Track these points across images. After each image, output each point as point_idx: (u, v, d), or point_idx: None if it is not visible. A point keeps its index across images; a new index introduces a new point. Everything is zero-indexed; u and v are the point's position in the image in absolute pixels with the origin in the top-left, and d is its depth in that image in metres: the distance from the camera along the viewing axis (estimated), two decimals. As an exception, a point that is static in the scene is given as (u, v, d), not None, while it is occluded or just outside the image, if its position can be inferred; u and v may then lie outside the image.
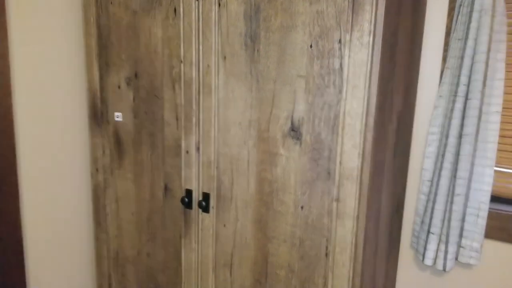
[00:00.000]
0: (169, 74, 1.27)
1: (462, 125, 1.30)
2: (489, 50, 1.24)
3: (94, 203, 1.54)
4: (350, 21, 0.98)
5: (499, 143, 1.40)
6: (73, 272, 1.62)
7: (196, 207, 1.31)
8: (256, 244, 1.23)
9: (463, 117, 1.29)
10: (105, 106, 1.44)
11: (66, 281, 1.60)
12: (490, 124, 1.29)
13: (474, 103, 1.25)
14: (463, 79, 1.26)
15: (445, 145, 1.31)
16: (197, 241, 1.33)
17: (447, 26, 1.36)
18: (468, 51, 1.24)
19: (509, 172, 1.41)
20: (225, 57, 1.17)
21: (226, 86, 1.18)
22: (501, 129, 1.39)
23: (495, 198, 1.44)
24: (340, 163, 1.06)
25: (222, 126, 1.21)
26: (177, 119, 1.29)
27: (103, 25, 1.38)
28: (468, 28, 1.24)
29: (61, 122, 1.50)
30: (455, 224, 1.33)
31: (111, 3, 1.35)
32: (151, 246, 1.45)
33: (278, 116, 1.12)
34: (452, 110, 1.29)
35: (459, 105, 1.28)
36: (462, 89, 1.27)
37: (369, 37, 0.96)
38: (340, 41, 1.00)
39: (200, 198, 1.30)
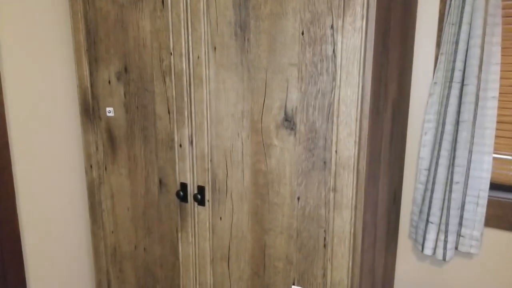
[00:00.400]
0: (159, 67, 1.25)
1: (458, 112, 1.28)
2: (484, 34, 1.22)
3: (89, 200, 1.53)
4: (342, 5, 0.96)
5: (497, 129, 1.38)
6: (71, 268, 1.61)
7: (192, 200, 1.29)
8: (253, 237, 1.21)
9: (459, 104, 1.27)
10: (96, 102, 1.42)
11: (65, 277, 1.59)
12: (487, 110, 1.27)
13: (470, 88, 1.24)
14: (459, 65, 1.24)
15: (442, 132, 1.30)
16: (194, 234, 1.32)
17: (440, 11, 1.34)
18: (463, 36, 1.22)
19: (508, 159, 1.39)
20: (215, 48, 1.15)
21: (217, 77, 1.16)
22: (499, 115, 1.37)
23: (495, 186, 1.42)
24: (336, 152, 1.04)
25: (214, 118, 1.19)
26: (169, 113, 1.27)
27: (90, 19, 1.36)
28: (462, 12, 1.22)
29: (53, 120, 1.48)
30: (454, 212, 1.32)
31: (100, -4, 1.32)
32: (148, 241, 1.43)
33: (271, 106, 1.10)
34: (448, 96, 1.27)
35: (455, 91, 1.26)
36: (457, 74, 1.25)
37: (362, 22, 0.94)
38: (332, 27, 0.98)
39: (195, 192, 1.28)
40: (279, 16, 1.04)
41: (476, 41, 1.21)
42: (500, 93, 1.36)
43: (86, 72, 1.41)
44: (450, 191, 1.31)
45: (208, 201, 1.26)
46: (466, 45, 1.23)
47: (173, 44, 1.21)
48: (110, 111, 1.39)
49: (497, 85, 1.25)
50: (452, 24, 1.26)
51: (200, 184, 1.26)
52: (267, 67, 1.08)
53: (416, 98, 1.43)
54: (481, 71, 1.24)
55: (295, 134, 1.09)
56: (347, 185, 1.05)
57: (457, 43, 1.24)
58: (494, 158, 1.40)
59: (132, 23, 1.27)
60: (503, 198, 1.37)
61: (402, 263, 1.56)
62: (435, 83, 1.33)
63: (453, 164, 1.30)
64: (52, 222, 1.52)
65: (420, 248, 1.40)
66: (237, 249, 1.25)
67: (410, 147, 1.47)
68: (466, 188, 1.33)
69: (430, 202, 1.35)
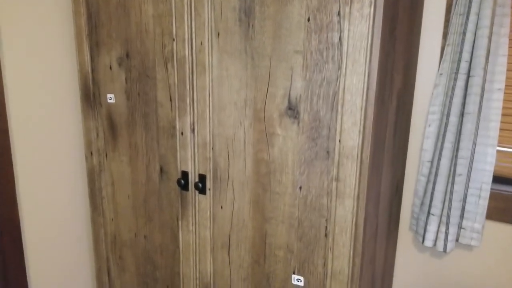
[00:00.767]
0: (161, 53, 1.23)
1: (463, 104, 1.26)
2: (492, 24, 1.20)
3: (89, 187, 1.52)
4: (349, -8, 0.94)
5: (501, 121, 1.37)
6: (71, 255, 1.61)
7: (193, 189, 1.28)
8: (254, 225, 1.21)
9: (464, 95, 1.26)
10: (97, 88, 1.40)
11: (65, 264, 1.59)
12: (493, 102, 1.26)
13: (476, 80, 1.22)
14: (465, 56, 1.22)
15: (446, 124, 1.28)
16: (194, 223, 1.31)
17: (447, 1, 1.32)
18: (470, 26, 1.20)
19: (511, 152, 1.38)
20: (218, 34, 1.13)
21: (220, 64, 1.14)
22: (504, 107, 1.36)
23: (498, 179, 1.42)
24: (340, 141, 1.03)
25: (217, 106, 1.18)
26: (170, 100, 1.25)
27: (92, 3, 1.33)
28: (470, 2, 1.20)
29: (54, 106, 1.46)
30: (456, 205, 1.31)
31: (101, -20, 1.30)
32: (148, 229, 1.43)
33: (274, 94, 1.09)
34: (453, 88, 1.26)
35: (460, 82, 1.24)
36: (463, 66, 1.23)
37: (370, 9, 0.92)
38: (339, 14, 0.96)
39: (196, 180, 1.27)
40: (284, 2, 1.02)
41: (483, 32, 1.19)
42: (506, 85, 1.35)
43: (87, 57, 1.39)
44: (453, 183, 1.30)
45: (209, 189, 1.25)
46: (473, 36, 1.21)
47: (176, 30, 1.19)
48: (111, 98, 1.38)
49: (503, 77, 1.23)
50: (460, 14, 1.24)
51: (201, 172, 1.25)
52: (272, 55, 1.07)
53: (421, 89, 1.42)
54: (487, 62, 1.23)
55: (298, 123, 1.08)
56: (350, 175, 1.04)
57: (464, 33, 1.22)
58: (498, 151, 1.40)
59: (135, 7, 1.25)
60: (506, 191, 1.36)
61: (402, 254, 1.56)
62: (441, 74, 1.31)
63: (456, 156, 1.29)
64: (52, 209, 1.52)
65: (420, 239, 1.40)
66: (237, 238, 1.25)
67: (414, 139, 1.46)
68: (469, 180, 1.32)
69: (432, 194, 1.34)
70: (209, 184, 1.25)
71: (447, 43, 1.28)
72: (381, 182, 1.18)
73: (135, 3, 1.24)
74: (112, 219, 1.51)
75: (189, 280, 1.37)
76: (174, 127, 1.27)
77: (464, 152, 1.27)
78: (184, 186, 1.29)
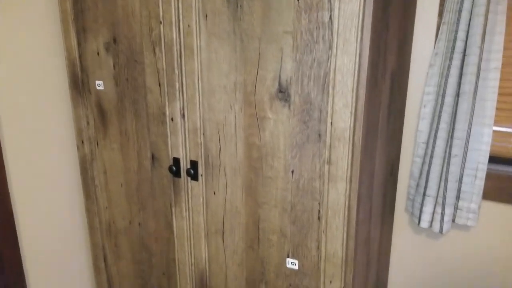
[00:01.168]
0: (148, 36, 1.20)
1: (459, 83, 1.24)
2: (488, 2, 1.16)
3: (82, 176, 1.51)
4: (338, -31, 0.90)
5: (498, 101, 1.35)
6: (67, 244, 1.61)
7: (185, 175, 1.27)
8: (247, 211, 1.20)
9: (460, 75, 1.23)
10: (86, 75, 1.38)
11: (61, 253, 1.59)
12: (489, 81, 1.24)
13: (472, 59, 1.19)
14: (461, 34, 1.19)
15: (441, 105, 1.26)
16: (188, 209, 1.30)
17: (443, -23, 1.28)
18: (466, 4, 1.17)
19: (508, 132, 1.36)
20: (206, 16, 1.10)
21: (209, 47, 1.12)
22: (500, 87, 1.34)
23: (494, 159, 1.40)
24: (331, 124, 1.01)
25: (206, 90, 1.16)
26: (159, 85, 1.23)
27: (78, -14, 1.30)
28: (466, -22, 1.16)
29: (42, 94, 1.44)
30: (452, 185, 1.30)
31: (85, -38, 1.26)
32: (142, 216, 1.42)
33: (264, 77, 1.07)
34: (448, 67, 1.23)
35: (456, 62, 1.21)
36: (459, 45, 1.20)
37: (359, -14, 0.89)
38: (327, -8, 0.93)
39: (188, 166, 1.25)
40: (272, -20, 0.99)
41: (480, 10, 1.16)
42: (502, 64, 1.32)
43: (74, 43, 1.36)
44: (448, 164, 1.29)
45: (201, 175, 1.24)
46: (469, 14, 1.18)
47: (162, 12, 1.15)
48: (99, 85, 1.35)
49: (500, 56, 1.21)
50: (455, -10, 1.20)
51: (192, 158, 1.24)
52: (261, 36, 1.04)
53: (416, 69, 1.39)
54: (484, 41, 1.20)
55: (289, 106, 1.06)
56: (342, 158, 1.02)
57: (460, 11, 1.19)
58: (494, 131, 1.38)
59: (120, -10, 1.21)
60: (502, 171, 1.35)
61: (398, 236, 1.56)
62: (436, 54, 1.28)
63: (452, 137, 1.27)
64: (45, 199, 1.51)
65: (416, 221, 1.39)
66: (231, 223, 1.24)
67: (409, 120, 1.44)
68: (465, 161, 1.31)
69: (428, 175, 1.33)
70: (201, 170, 1.24)
71: (442, 21, 1.25)
72: (375, 164, 1.17)
73: (120, -14, 1.21)
74: (106, 207, 1.50)
75: (185, 266, 1.37)
76: (164, 113, 1.24)
77: (459, 133, 1.25)
78: (176, 173, 1.27)
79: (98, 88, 1.36)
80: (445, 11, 1.24)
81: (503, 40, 1.19)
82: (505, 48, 1.30)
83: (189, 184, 1.27)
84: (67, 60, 1.40)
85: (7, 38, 1.31)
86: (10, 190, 1.38)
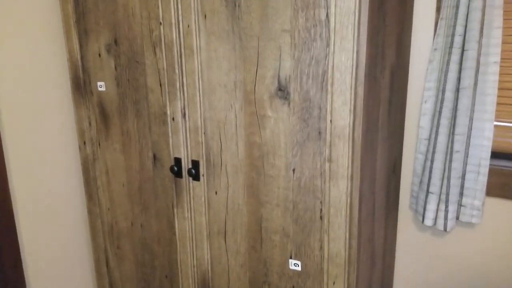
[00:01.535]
0: (149, 37, 1.21)
1: (459, 78, 1.24)
2: (486, -4, 1.16)
3: (84, 177, 1.51)
4: (334, -35, 0.91)
5: (498, 95, 1.34)
6: (69, 246, 1.61)
7: (186, 175, 1.27)
8: (249, 210, 1.20)
9: (460, 70, 1.23)
10: (88, 76, 1.39)
11: (63, 255, 1.59)
12: (489, 76, 1.23)
13: (471, 54, 1.19)
14: (459, 29, 1.19)
15: (442, 100, 1.26)
16: (190, 209, 1.31)
17: (442, -26, 1.28)
18: (464, -1, 1.17)
19: (510, 126, 1.35)
20: (205, 15, 1.10)
21: (208, 46, 1.12)
22: (501, 81, 1.33)
23: (496, 154, 1.39)
24: (331, 121, 1.01)
25: (207, 89, 1.16)
26: (160, 85, 1.23)
27: (78, -11, 1.31)
28: (464, -27, 1.16)
29: (45, 96, 1.45)
30: (455, 182, 1.29)
31: (85, -35, 1.28)
32: (144, 217, 1.42)
33: (264, 75, 1.07)
34: (448, 63, 1.23)
35: (455, 57, 1.21)
36: (458, 40, 1.20)
37: (355, -18, 0.89)
38: (324, -11, 0.93)
39: (190, 166, 1.26)
40: (269, -21, 0.99)
41: (477, 4, 1.16)
42: (502, 58, 1.32)
43: (76, 45, 1.37)
44: (451, 161, 1.28)
45: (202, 175, 1.24)
46: (466, 9, 1.18)
47: (162, 13, 1.16)
48: (101, 86, 1.36)
49: (498, 50, 1.20)
50: (453, -14, 1.20)
51: (194, 158, 1.24)
52: (259, 34, 1.04)
53: (415, 65, 1.39)
54: (482, 35, 1.19)
55: (289, 104, 1.06)
56: (343, 155, 1.02)
57: (457, 7, 1.19)
58: (496, 126, 1.37)
59: (120, -8, 1.23)
60: (505, 166, 1.34)
61: (403, 234, 1.55)
62: (435, 49, 1.28)
63: (453, 133, 1.27)
64: (47, 200, 1.51)
65: (420, 218, 1.38)
66: (233, 223, 1.24)
67: (410, 116, 1.44)
68: (467, 157, 1.30)
69: (430, 172, 1.32)
70: (202, 169, 1.24)
71: (440, 17, 1.25)
72: (376, 161, 1.17)
73: (120, -12, 1.22)
74: (108, 209, 1.50)
75: (187, 268, 1.37)
76: (165, 113, 1.25)
77: (461, 128, 1.25)
78: (177, 173, 1.28)
79: (99, 89, 1.37)
80: (442, 6, 1.24)
81: (501, 34, 1.19)
82: (504, 42, 1.30)
83: (191, 184, 1.27)
84: (69, 62, 1.41)
85: (9, 41, 1.32)
86: (11, 191, 1.39)
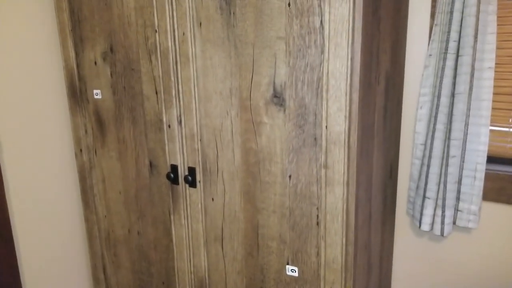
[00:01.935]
0: (144, 45, 1.21)
1: (454, 84, 1.24)
2: (479, 2, 1.17)
3: (81, 184, 1.51)
4: (328, -27, 0.91)
5: (493, 100, 1.35)
6: (66, 254, 1.61)
7: (183, 182, 1.27)
8: (246, 217, 1.20)
9: (455, 76, 1.24)
10: (83, 83, 1.39)
11: (60, 263, 1.59)
12: (484, 81, 1.24)
13: (465, 59, 1.20)
14: (453, 35, 1.20)
15: (437, 105, 1.26)
16: (186, 216, 1.30)
17: (436, -20, 1.29)
18: (457, 5, 1.18)
19: (505, 131, 1.36)
20: (200, 23, 1.11)
21: (204, 54, 1.12)
22: (495, 86, 1.34)
23: (492, 159, 1.40)
24: (326, 127, 1.02)
25: (202, 96, 1.16)
26: (156, 92, 1.24)
27: (74, -2, 1.31)
28: (457, -20, 1.17)
29: (41, 104, 1.45)
30: (451, 187, 1.29)
31: (81, -26, 1.28)
32: (141, 224, 1.42)
33: (259, 82, 1.07)
34: (443, 68, 1.23)
35: (450, 62, 1.22)
36: (452, 45, 1.21)
37: (349, -10, 0.90)
38: (318, -4, 0.94)
39: (186, 173, 1.26)
40: (264, -14, 1.00)
41: (471, 10, 1.16)
42: (496, 63, 1.32)
43: (72, 53, 1.38)
44: (447, 165, 1.29)
45: (199, 182, 1.24)
46: (461, 15, 1.19)
47: (157, 21, 1.17)
48: (97, 94, 1.36)
49: (493, 55, 1.21)
50: (447, -8, 1.21)
51: (190, 165, 1.24)
52: (254, 42, 1.05)
53: (411, 71, 1.39)
54: (476, 41, 1.20)
55: (284, 110, 1.06)
56: (339, 161, 1.02)
57: (451, 12, 1.19)
58: (491, 131, 1.37)
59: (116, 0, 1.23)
60: (501, 171, 1.34)
61: (400, 239, 1.55)
62: (430, 55, 1.29)
63: (449, 138, 1.27)
64: (44, 208, 1.51)
65: (417, 224, 1.38)
66: (230, 230, 1.24)
67: (406, 122, 1.44)
68: (463, 161, 1.30)
69: (427, 177, 1.32)
70: (199, 176, 1.24)
71: (435, 23, 1.26)
72: (373, 167, 1.17)
73: (116, -4, 1.22)
74: (105, 216, 1.50)
75: (184, 275, 1.37)
76: (161, 120, 1.25)
77: (456, 133, 1.25)
78: (174, 180, 1.28)
79: (95, 97, 1.37)
80: (437, 12, 1.25)
81: (495, 39, 1.20)
82: (499, 48, 1.31)
83: (187, 191, 1.27)
84: (65, 70, 1.41)
85: (5, 49, 1.33)
86: (7, 199, 1.39)
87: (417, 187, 1.39)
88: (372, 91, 1.07)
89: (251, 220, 1.19)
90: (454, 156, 1.27)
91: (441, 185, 1.31)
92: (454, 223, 1.36)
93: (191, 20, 1.12)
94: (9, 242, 1.40)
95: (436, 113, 1.27)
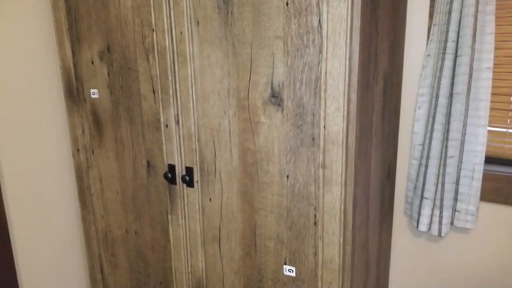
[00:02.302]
0: (141, 44, 1.21)
1: (452, 84, 1.24)
2: (477, 2, 1.17)
3: (78, 184, 1.51)
4: (326, -27, 0.91)
5: (491, 101, 1.35)
6: (63, 254, 1.60)
7: (180, 182, 1.27)
8: (243, 217, 1.19)
9: (453, 76, 1.24)
10: (80, 83, 1.38)
11: (58, 263, 1.58)
12: (482, 81, 1.24)
13: (464, 59, 1.20)
14: (452, 35, 1.20)
15: (436, 106, 1.26)
16: (184, 216, 1.30)
17: (434, -20, 1.29)
18: (456, 5, 1.18)
19: (503, 131, 1.36)
20: (198, 22, 1.10)
21: (201, 53, 1.12)
22: (494, 86, 1.34)
23: (490, 159, 1.40)
24: (324, 127, 1.01)
25: (200, 96, 1.16)
26: (153, 92, 1.23)
27: (71, -4, 1.31)
28: (455, -20, 1.17)
29: (38, 103, 1.44)
30: (449, 187, 1.29)
31: (78, -27, 1.27)
32: (139, 224, 1.41)
33: (257, 82, 1.07)
34: (441, 68, 1.23)
35: (448, 63, 1.22)
36: (450, 45, 1.20)
37: (347, -11, 0.89)
38: (316, -4, 0.93)
39: (184, 173, 1.25)
40: (262, -14, 0.99)
41: (469, 10, 1.16)
42: (494, 64, 1.32)
43: (69, 52, 1.37)
44: (445, 166, 1.28)
45: (196, 182, 1.24)
46: (459, 15, 1.19)
47: (155, 20, 1.16)
48: (94, 93, 1.36)
49: (491, 56, 1.21)
50: (445, -8, 1.21)
51: (188, 165, 1.24)
52: (252, 41, 1.04)
53: (409, 71, 1.39)
54: (474, 41, 1.20)
55: (282, 110, 1.06)
56: (336, 161, 1.02)
57: (450, 13, 1.19)
58: (489, 131, 1.37)
59: (113, -1, 1.22)
60: (499, 171, 1.34)
61: (398, 239, 1.55)
62: (428, 55, 1.29)
63: (447, 138, 1.27)
64: (41, 208, 1.50)
65: (415, 224, 1.38)
66: (227, 230, 1.23)
67: (404, 122, 1.44)
68: (461, 162, 1.30)
69: (425, 177, 1.32)
70: (196, 176, 1.23)
71: (433, 23, 1.26)
72: (370, 166, 1.17)
73: (113, -5, 1.22)
74: (103, 216, 1.49)
75: (182, 275, 1.36)
76: (159, 120, 1.25)
77: (454, 134, 1.25)
78: (171, 180, 1.27)
79: (93, 96, 1.37)
80: (435, 12, 1.25)
81: (493, 40, 1.20)
82: (497, 48, 1.31)
83: (185, 191, 1.27)
84: (62, 70, 1.40)
85: (1, 48, 1.32)
86: (4, 199, 1.38)
87: (415, 188, 1.39)
88: (370, 91, 1.07)
89: (248, 220, 1.19)
90: (452, 157, 1.27)
91: (439, 186, 1.31)
92: (451, 223, 1.36)
93: (189, 19, 1.11)
94: (6, 242, 1.39)
95: (434, 114, 1.26)
